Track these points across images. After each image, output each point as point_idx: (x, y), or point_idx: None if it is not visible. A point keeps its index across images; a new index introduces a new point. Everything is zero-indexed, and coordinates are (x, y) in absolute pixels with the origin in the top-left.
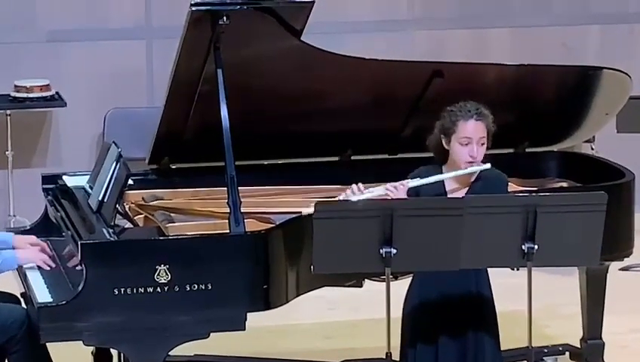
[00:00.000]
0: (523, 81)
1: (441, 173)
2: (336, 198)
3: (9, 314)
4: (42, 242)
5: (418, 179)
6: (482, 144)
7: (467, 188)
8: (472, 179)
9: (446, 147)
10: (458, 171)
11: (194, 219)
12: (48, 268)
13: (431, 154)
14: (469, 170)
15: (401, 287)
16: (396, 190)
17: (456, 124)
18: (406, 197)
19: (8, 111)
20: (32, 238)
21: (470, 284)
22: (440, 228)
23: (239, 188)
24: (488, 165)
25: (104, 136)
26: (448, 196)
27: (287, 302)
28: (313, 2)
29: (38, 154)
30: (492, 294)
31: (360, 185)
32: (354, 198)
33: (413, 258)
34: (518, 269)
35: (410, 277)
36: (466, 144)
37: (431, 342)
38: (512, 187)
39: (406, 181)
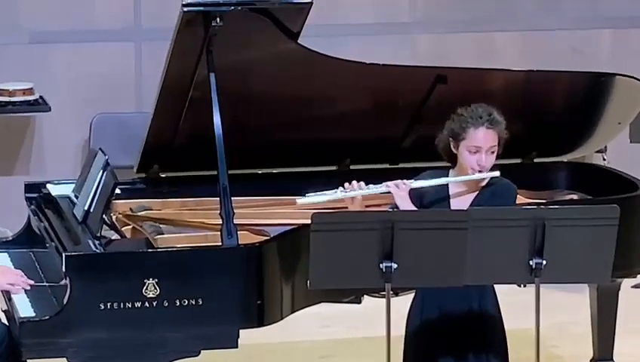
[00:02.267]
0: (531, 88)
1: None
2: (333, 193)
3: None
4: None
5: (421, 181)
6: (492, 152)
7: (474, 195)
8: (481, 185)
9: (454, 151)
10: (465, 176)
11: (184, 231)
12: (21, 290)
13: (433, 164)
14: (477, 176)
15: (401, 304)
16: (397, 188)
17: (465, 130)
18: (407, 197)
19: None
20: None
21: (472, 303)
22: (443, 241)
23: (232, 198)
24: (497, 173)
25: (90, 142)
26: (452, 201)
27: (282, 318)
28: (311, 3)
29: (20, 162)
30: (500, 313)
31: (362, 183)
32: (352, 194)
33: (414, 273)
34: (525, 286)
35: (411, 294)
36: (475, 152)
37: None
38: (520, 199)
39: (409, 181)
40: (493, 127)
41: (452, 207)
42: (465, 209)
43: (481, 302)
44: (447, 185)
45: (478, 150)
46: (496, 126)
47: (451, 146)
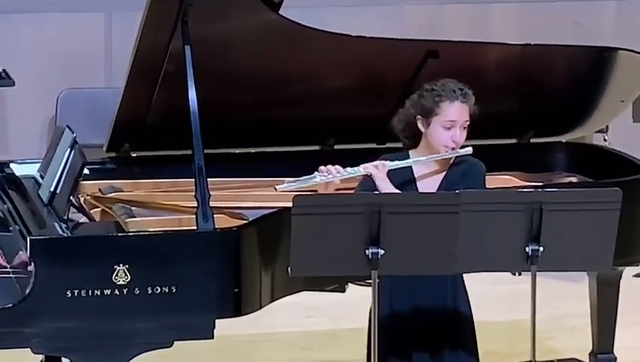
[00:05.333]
0: (529, 63)
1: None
2: (308, 179)
3: None
4: None
5: (397, 161)
6: (464, 128)
7: (441, 176)
8: (449, 163)
9: (422, 129)
10: (439, 155)
11: (157, 214)
12: None
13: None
14: (450, 153)
15: None
16: (377, 169)
17: (439, 105)
18: (387, 179)
19: None
20: None
21: (447, 299)
22: (433, 226)
23: (208, 179)
24: (470, 149)
25: (57, 119)
26: (420, 183)
27: (261, 308)
28: None
29: None
30: (470, 306)
31: (338, 166)
32: (331, 178)
33: (402, 260)
34: (520, 274)
35: None
36: (449, 128)
37: (403, 358)
38: (515, 181)
39: (387, 162)
40: (467, 101)
41: (420, 189)
42: (455, 191)
43: (455, 298)
44: (412, 167)
45: (453, 125)
46: (469, 100)
47: (419, 124)
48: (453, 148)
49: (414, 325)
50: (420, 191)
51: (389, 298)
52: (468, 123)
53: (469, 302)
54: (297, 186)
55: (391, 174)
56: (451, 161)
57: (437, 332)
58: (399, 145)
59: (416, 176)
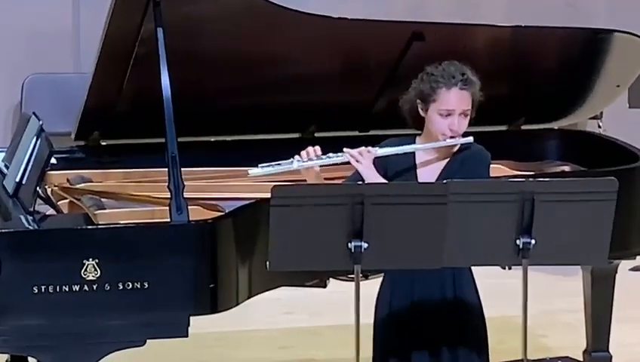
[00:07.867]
0: (519, 46)
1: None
2: (288, 163)
3: None
4: None
5: (387, 149)
6: (465, 116)
7: (443, 163)
8: (453, 151)
9: (422, 114)
10: (434, 143)
11: (128, 206)
12: None
13: (409, 132)
14: (448, 142)
15: (371, 288)
16: (361, 156)
17: (436, 91)
18: (372, 166)
19: None
20: None
21: (447, 289)
22: (419, 218)
23: (182, 169)
24: (470, 138)
25: (22, 106)
26: (420, 171)
27: (238, 304)
28: None
29: None
30: (479, 299)
31: (317, 148)
32: (310, 164)
33: (387, 254)
34: (511, 268)
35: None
36: (447, 116)
37: (404, 359)
38: (505, 171)
39: (373, 148)
40: (467, 88)
41: (420, 178)
42: (443, 181)
43: (456, 288)
44: (414, 153)
45: (451, 113)
46: (471, 86)
47: (419, 109)
48: (452, 137)
49: (415, 321)
50: (419, 179)
51: (390, 293)
52: (469, 110)
53: (476, 291)
54: (272, 171)
55: (392, 161)
56: (454, 148)
57: (439, 328)
58: (384, 133)
59: (417, 163)
